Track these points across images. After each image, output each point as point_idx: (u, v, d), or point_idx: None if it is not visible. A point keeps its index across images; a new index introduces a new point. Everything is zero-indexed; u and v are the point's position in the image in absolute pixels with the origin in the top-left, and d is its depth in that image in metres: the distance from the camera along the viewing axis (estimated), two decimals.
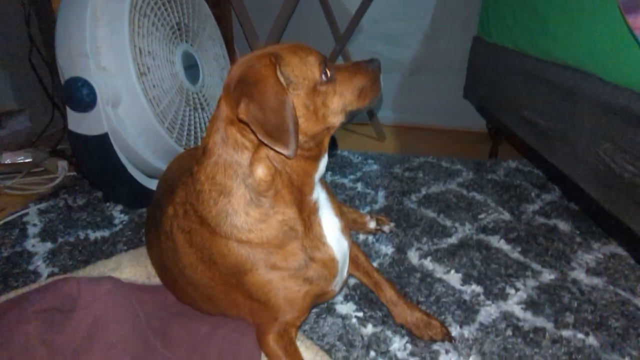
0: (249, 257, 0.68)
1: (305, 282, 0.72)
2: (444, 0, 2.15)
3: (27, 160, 1.75)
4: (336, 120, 0.71)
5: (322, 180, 0.79)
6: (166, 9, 1.30)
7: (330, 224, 0.77)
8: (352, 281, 1.01)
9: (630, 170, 0.84)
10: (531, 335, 0.84)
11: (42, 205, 1.32)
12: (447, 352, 0.81)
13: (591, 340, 0.82)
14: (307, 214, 0.72)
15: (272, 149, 0.62)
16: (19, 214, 1.26)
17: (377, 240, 1.18)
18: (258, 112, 0.59)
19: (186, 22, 1.41)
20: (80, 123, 1.11)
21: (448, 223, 1.28)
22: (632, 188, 0.84)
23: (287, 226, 0.70)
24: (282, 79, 0.63)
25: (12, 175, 1.59)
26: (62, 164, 1.60)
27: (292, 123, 0.60)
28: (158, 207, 0.83)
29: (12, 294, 0.86)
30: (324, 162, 0.73)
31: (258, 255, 0.68)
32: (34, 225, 1.21)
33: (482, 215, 1.32)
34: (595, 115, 0.97)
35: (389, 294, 0.88)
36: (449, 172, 1.67)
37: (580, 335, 0.84)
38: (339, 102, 0.70)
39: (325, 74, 0.68)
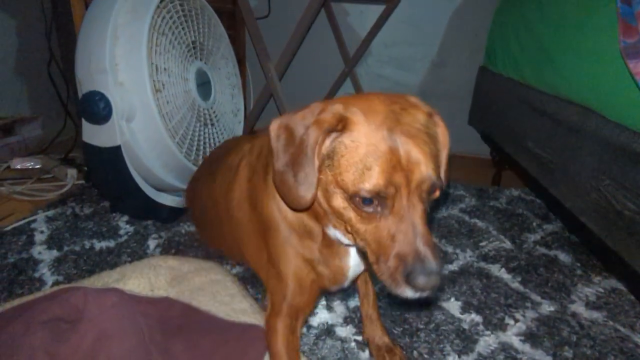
0: (278, 222, 0.75)
1: (313, 272, 0.76)
2: (453, 28, 2.21)
3: (36, 167, 1.78)
4: (340, 233, 0.68)
5: None
6: (183, 28, 1.35)
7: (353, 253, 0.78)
8: (352, 304, 1.01)
9: (631, 208, 0.86)
10: None
11: (50, 213, 1.34)
12: None
13: None
14: (329, 240, 0.73)
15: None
16: (26, 220, 1.28)
17: None
18: (282, 143, 0.60)
19: (201, 40, 1.46)
20: (94, 135, 1.14)
21: (449, 249, 1.29)
22: (632, 225, 0.86)
23: (307, 230, 0.74)
24: (325, 145, 0.59)
25: (21, 181, 1.62)
26: (72, 172, 1.63)
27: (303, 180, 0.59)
28: (220, 157, 0.94)
29: (16, 302, 0.87)
30: (340, 234, 0.70)
31: (284, 227, 0.75)
32: (41, 232, 1.23)
33: (483, 243, 1.33)
34: (597, 151, 0.99)
35: (370, 310, 0.90)
36: (452, 197, 1.69)
37: None
38: (356, 231, 0.61)
39: (369, 202, 0.56)
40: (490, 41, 1.85)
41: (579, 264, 1.23)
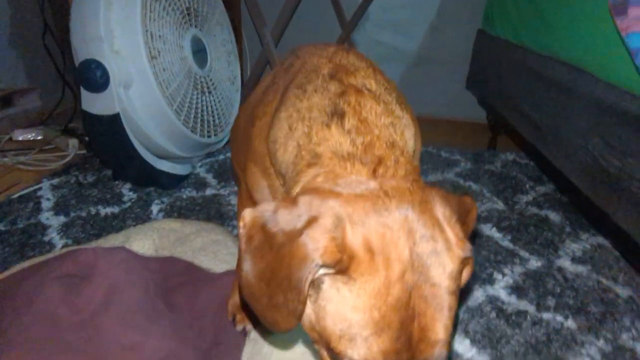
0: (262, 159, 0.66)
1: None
2: None
3: (38, 138, 1.80)
4: None
5: None
6: None
7: None
8: None
9: (616, 165, 0.88)
10: (513, 317, 0.90)
11: (55, 181, 1.38)
12: None
13: (569, 323, 0.88)
14: None
15: None
16: (33, 188, 1.32)
17: None
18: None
19: (196, 7, 1.45)
20: (93, 103, 1.16)
21: None
22: (617, 182, 0.89)
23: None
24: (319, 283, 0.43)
25: (23, 152, 1.64)
26: (73, 142, 1.65)
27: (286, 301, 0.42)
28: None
29: (27, 263, 0.92)
30: None
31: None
32: (48, 199, 1.27)
33: (477, 205, 1.37)
34: (587, 111, 1.01)
35: None
36: (448, 162, 1.71)
37: (559, 318, 0.89)
38: None
39: None
40: (488, 3, 1.82)
41: (568, 223, 1.27)
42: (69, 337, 0.62)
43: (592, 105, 0.98)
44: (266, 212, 0.45)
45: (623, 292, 0.97)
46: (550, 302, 0.94)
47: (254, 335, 0.81)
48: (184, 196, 1.33)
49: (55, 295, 0.67)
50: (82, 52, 1.13)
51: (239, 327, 0.81)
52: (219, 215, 1.24)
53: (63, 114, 2.00)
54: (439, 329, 0.42)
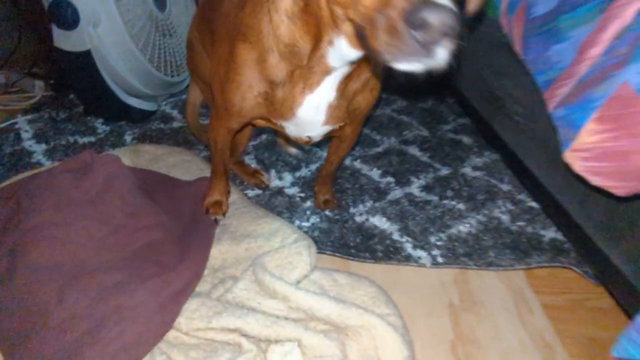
0: (262, 31, 0.69)
1: (265, 94, 0.75)
2: None
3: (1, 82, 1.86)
4: (338, 11, 0.56)
5: (364, 67, 0.73)
6: None
7: (320, 90, 0.73)
8: (297, 174, 1.31)
9: (497, 86, 1.16)
10: (421, 204, 1.19)
11: (29, 117, 1.50)
12: (360, 214, 1.14)
13: (460, 205, 1.19)
14: (316, 60, 0.68)
15: None
16: (9, 122, 1.44)
17: (320, 148, 1.48)
18: None
19: None
20: (65, 40, 1.28)
21: (377, 137, 1.59)
22: (497, 100, 1.17)
23: (293, 50, 0.68)
24: None
25: None
26: (39, 84, 1.74)
27: None
28: None
29: (24, 174, 1.09)
30: (344, 43, 0.61)
31: (266, 40, 0.70)
32: (26, 131, 1.40)
33: (405, 132, 1.64)
34: (483, 47, 1.27)
35: (327, 172, 1.13)
36: (386, 100, 1.96)
37: (453, 203, 1.20)
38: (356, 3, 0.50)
39: None
40: None
41: (476, 144, 1.57)
42: (81, 211, 0.82)
43: (486, 42, 1.25)
44: None
45: (504, 187, 1.29)
46: (450, 194, 1.24)
47: (223, 222, 1.04)
48: (153, 127, 1.51)
49: (64, 183, 0.85)
50: None
51: (212, 217, 1.04)
52: (186, 143, 1.43)
53: (22, 58, 2.04)
54: None
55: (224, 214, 1.06)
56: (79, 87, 1.44)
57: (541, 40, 0.70)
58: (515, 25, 0.80)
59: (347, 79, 0.72)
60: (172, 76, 1.64)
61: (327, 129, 0.82)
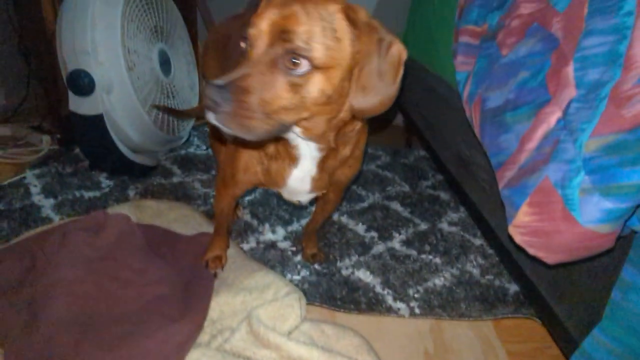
0: None
1: (261, 165, 0.89)
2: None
3: (6, 134, 1.97)
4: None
5: (341, 149, 0.83)
6: (147, 15, 1.62)
7: (303, 166, 0.84)
8: (289, 228, 1.42)
9: (467, 155, 1.32)
10: (401, 258, 1.31)
11: (36, 171, 1.60)
12: (346, 267, 1.25)
13: (437, 259, 1.31)
14: (285, 140, 0.79)
15: None
16: (19, 177, 1.54)
17: (311, 203, 1.60)
18: None
19: (162, 25, 1.73)
20: (80, 105, 1.42)
21: (363, 193, 1.73)
22: (467, 166, 1.32)
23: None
24: None
25: None
26: (46, 138, 1.86)
27: None
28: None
29: (40, 229, 1.17)
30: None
31: None
32: (35, 186, 1.50)
33: (389, 188, 1.79)
34: (455, 118, 1.44)
35: (312, 229, 1.26)
36: (372, 156, 2.13)
37: (430, 257, 1.32)
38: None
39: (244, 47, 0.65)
40: (405, 30, 2.26)
41: (453, 200, 1.72)
42: (94, 268, 0.91)
43: (457, 114, 1.42)
44: None
45: (476, 241, 1.42)
46: (427, 248, 1.36)
47: (220, 275, 1.14)
48: (155, 182, 1.62)
49: (79, 240, 0.95)
50: (71, 62, 1.39)
51: (212, 271, 1.13)
52: (185, 197, 1.54)
53: (26, 112, 2.17)
54: (295, 10, 0.61)
55: (222, 267, 1.16)
56: (88, 146, 1.56)
57: (494, 129, 0.85)
58: (474, 113, 0.96)
59: (325, 158, 0.83)
60: (173, 134, 1.78)
61: (312, 195, 0.96)
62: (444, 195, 1.76)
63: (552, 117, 0.68)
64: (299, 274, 1.22)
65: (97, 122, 1.44)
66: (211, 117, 0.60)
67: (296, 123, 0.68)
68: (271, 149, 0.85)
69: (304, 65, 0.61)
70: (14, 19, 2.02)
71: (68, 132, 1.87)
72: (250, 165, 0.91)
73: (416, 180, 1.89)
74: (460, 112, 1.37)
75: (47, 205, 1.39)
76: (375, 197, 1.70)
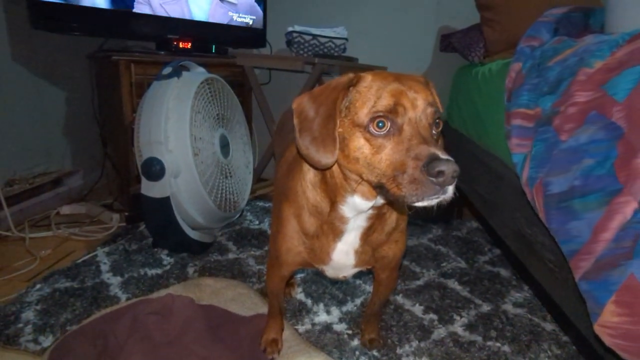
0: (297, 195, 0.88)
1: (304, 245, 0.91)
2: None
3: (81, 212, 2.16)
4: (359, 196, 0.76)
5: (383, 216, 0.87)
6: (211, 105, 1.79)
7: (347, 239, 0.88)
8: (344, 309, 1.39)
9: (528, 232, 1.27)
10: (466, 345, 1.23)
11: (106, 249, 1.72)
12: (406, 355, 1.19)
13: (505, 348, 1.21)
14: (335, 216, 0.83)
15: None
16: (90, 255, 1.65)
17: (364, 281, 1.58)
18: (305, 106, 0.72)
19: (223, 112, 1.90)
20: (151, 189, 1.55)
21: (417, 269, 1.68)
22: (529, 245, 1.27)
23: (317, 208, 0.85)
24: (344, 102, 0.71)
25: (69, 225, 1.99)
26: (116, 217, 2.01)
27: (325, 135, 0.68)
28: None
29: (109, 309, 1.23)
30: (357, 198, 0.78)
31: (299, 200, 0.87)
32: (105, 263, 1.60)
33: (444, 264, 1.73)
34: (512, 194, 1.42)
35: (373, 311, 1.21)
36: (423, 229, 2.10)
37: (498, 345, 1.22)
38: (372, 167, 0.67)
39: (382, 125, 0.66)
40: (449, 102, 2.33)
41: (515, 277, 1.63)
42: (162, 353, 0.93)
43: (515, 190, 1.40)
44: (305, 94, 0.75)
45: (547, 326, 1.31)
46: (493, 334, 1.27)
47: None
48: (212, 259, 1.68)
49: (150, 324, 0.98)
50: (146, 151, 1.54)
51: (269, 357, 1.12)
52: (241, 274, 1.58)
53: (99, 190, 2.38)
54: (421, 90, 0.69)
55: (279, 352, 1.14)
56: (154, 225, 1.67)
57: (561, 215, 0.83)
58: (536, 196, 0.95)
59: (369, 231, 0.87)
60: (230, 211, 1.87)
61: (357, 269, 0.97)
62: (504, 272, 1.67)
63: (627, 207, 0.66)
64: None
65: (164, 203, 1.55)
66: (448, 191, 0.64)
67: None
68: (313, 228, 0.89)
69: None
70: (97, 111, 2.31)
71: (134, 211, 2.01)
72: (291, 247, 0.93)
73: (472, 255, 1.82)
74: (518, 189, 1.34)
75: (115, 283, 1.47)
76: (430, 274, 1.64)
